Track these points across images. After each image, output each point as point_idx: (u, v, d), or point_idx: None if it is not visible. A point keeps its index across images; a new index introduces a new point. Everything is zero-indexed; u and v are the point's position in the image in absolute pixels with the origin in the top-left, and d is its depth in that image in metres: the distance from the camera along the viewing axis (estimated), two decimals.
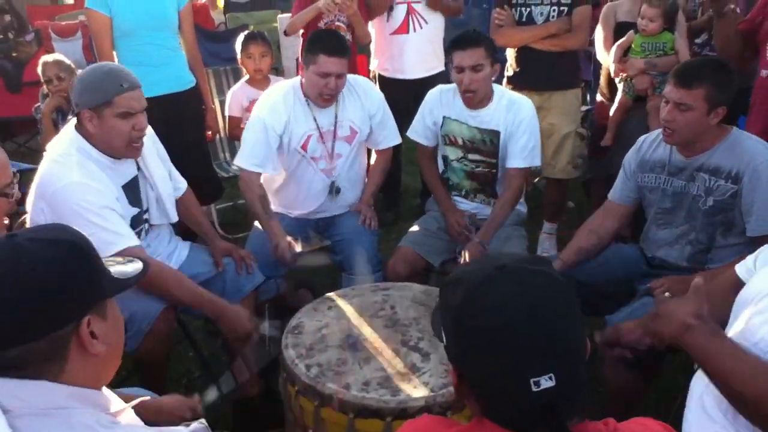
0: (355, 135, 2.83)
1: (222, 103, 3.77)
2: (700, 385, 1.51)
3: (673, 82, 2.12)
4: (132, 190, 2.28)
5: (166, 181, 2.43)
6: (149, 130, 2.28)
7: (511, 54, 3.48)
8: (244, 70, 3.77)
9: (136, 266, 1.19)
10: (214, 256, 2.51)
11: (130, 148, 2.19)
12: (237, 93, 3.72)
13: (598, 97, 3.55)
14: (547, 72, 3.33)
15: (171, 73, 3.18)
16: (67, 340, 1.03)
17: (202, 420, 1.17)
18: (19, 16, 7.28)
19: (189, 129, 3.29)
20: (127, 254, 2.00)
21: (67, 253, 1.07)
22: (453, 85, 2.77)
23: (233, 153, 4.25)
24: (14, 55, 6.13)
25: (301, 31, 3.66)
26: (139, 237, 2.22)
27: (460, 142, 2.81)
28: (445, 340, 1.05)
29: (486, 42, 2.65)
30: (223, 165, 4.22)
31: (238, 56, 3.72)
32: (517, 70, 3.43)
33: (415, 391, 1.69)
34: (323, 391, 1.70)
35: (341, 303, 2.12)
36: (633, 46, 3.13)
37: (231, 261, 2.51)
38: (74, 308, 1.04)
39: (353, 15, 3.52)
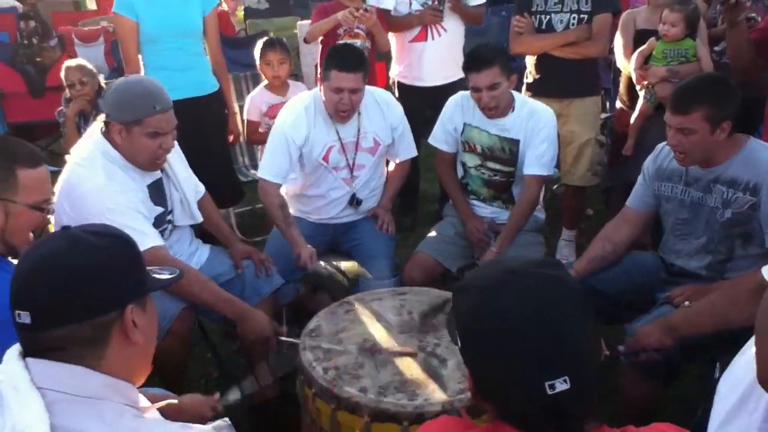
0: (378, 147, 2.83)
1: (241, 108, 3.81)
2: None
3: (669, 108, 2.09)
4: (157, 190, 2.31)
5: (189, 182, 2.46)
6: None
7: (530, 61, 3.47)
8: (263, 75, 3.81)
9: (171, 271, 1.26)
10: (234, 258, 2.53)
11: (153, 164, 2.24)
12: (255, 98, 3.75)
13: (618, 105, 3.53)
14: (567, 79, 3.32)
15: (194, 77, 3.21)
16: (110, 326, 1.08)
17: (226, 419, 1.18)
18: (44, 22, 7.43)
19: (212, 133, 3.33)
20: (151, 254, 2.03)
21: (118, 243, 1.14)
22: None
23: (252, 157, 4.30)
24: (38, 60, 6.24)
25: (320, 38, 3.69)
26: (162, 237, 2.25)
27: (479, 149, 2.81)
28: (459, 345, 1.05)
29: (499, 58, 2.60)
30: (242, 169, 4.25)
31: (257, 63, 3.75)
32: (537, 77, 3.42)
33: (433, 395, 1.68)
34: (340, 394, 1.70)
35: (359, 307, 2.13)
36: (654, 53, 3.10)
37: (250, 263, 2.53)
38: (120, 295, 1.09)
39: (373, 26, 3.54)
